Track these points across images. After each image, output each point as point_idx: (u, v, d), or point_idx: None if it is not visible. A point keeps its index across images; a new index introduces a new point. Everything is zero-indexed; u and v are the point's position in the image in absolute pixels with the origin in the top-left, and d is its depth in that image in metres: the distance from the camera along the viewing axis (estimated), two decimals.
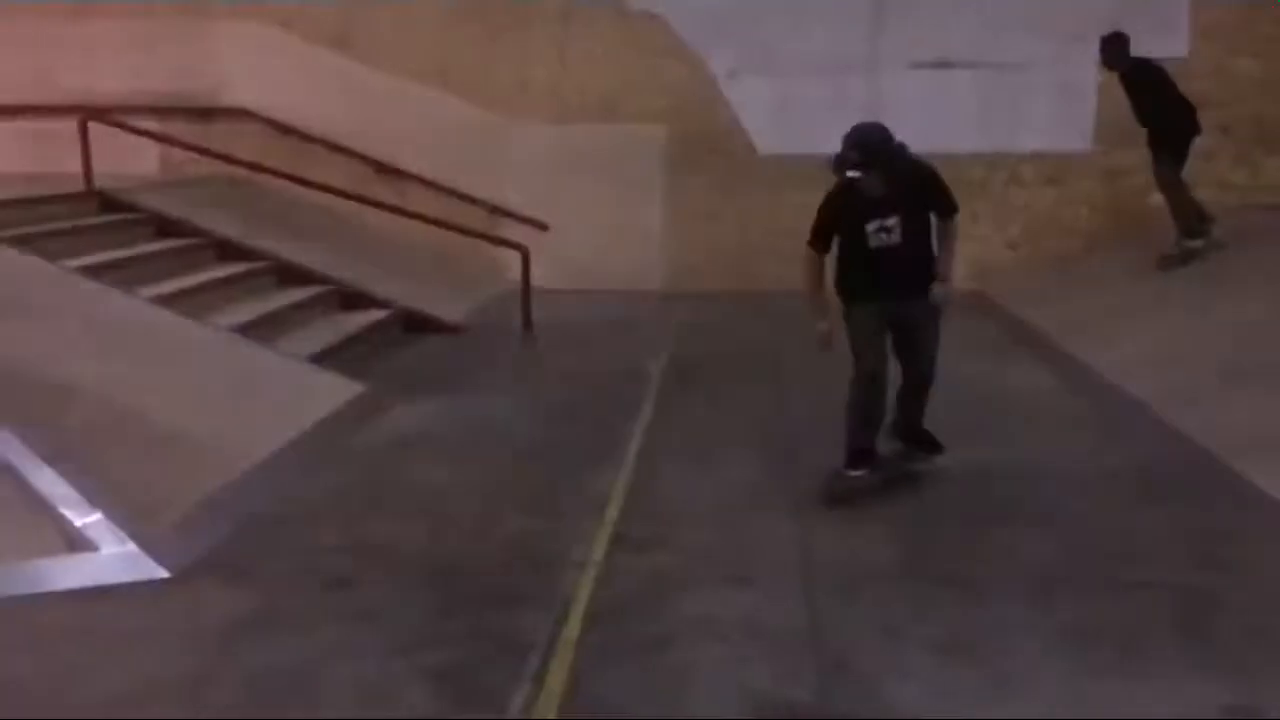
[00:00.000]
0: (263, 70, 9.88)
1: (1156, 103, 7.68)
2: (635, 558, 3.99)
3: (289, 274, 7.83)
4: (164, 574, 3.82)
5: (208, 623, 3.52)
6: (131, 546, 3.93)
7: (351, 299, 7.84)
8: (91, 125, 8.35)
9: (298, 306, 7.35)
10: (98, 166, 8.22)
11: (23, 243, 6.33)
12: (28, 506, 4.04)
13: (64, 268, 6.23)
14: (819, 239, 4.56)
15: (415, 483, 4.84)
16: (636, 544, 4.11)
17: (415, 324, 7.94)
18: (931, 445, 4.85)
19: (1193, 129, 7.72)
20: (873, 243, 4.44)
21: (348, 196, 8.79)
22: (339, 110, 9.81)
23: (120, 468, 4.40)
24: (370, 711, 2.99)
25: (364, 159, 9.69)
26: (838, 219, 4.49)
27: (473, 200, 9.60)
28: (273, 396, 5.73)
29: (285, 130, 9.71)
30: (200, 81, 9.82)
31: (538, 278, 8.43)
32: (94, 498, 4.10)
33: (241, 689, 3.10)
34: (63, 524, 3.98)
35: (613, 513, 4.43)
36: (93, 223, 7.43)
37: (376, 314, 7.71)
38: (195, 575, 3.83)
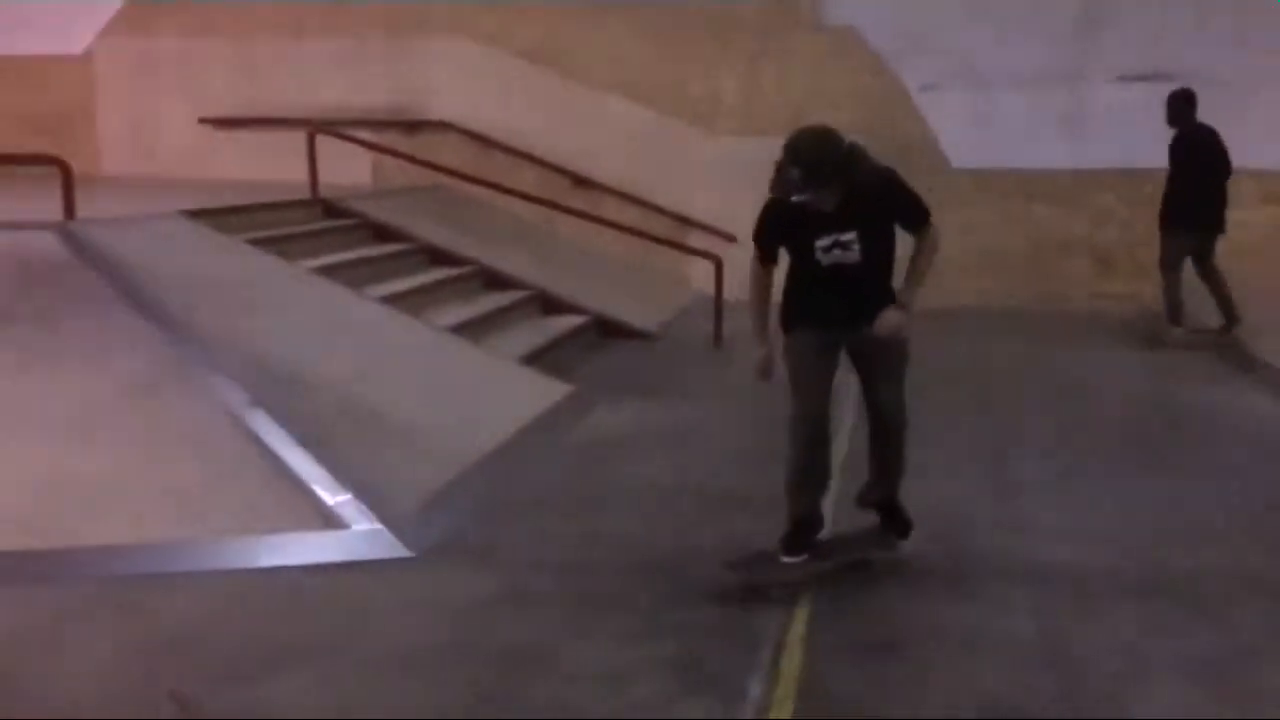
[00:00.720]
0: (466, 84, 10.35)
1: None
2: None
3: (493, 279, 8.19)
4: (409, 553, 4.09)
5: (452, 600, 3.74)
6: (379, 526, 4.22)
7: (551, 304, 8.14)
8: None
9: (502, 310, 7.67)
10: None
11: (263, 245, 6.85)
12: (286, 484, 4.39)
13: (300, 268, 6.70)
14: (763, 249, 3.82)
15: (631, 480, 5.01)
16: None
17: (609, 330, 8.17)
18: (902, 525, 3.99)
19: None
20: (825, 260, 3.68)
21: (550, 205, 9.12)
22: (537, 122, 10.19)
23: (361, 454, 4.72)
24: (611, 693, 3.13)
25: (559, 170, 10.03)
26: (783, 232, 3.75)
27: (663, 211, 9.80)
28: (491, 394, 6.02)
29: (485, 142, 10.14)
30: (409, 96, 10.37)
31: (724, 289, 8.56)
32: (342, 479, 4.43)
33: (490, 663, 3.30)
34: (317, 502, 4.31)
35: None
36: (318, 228, 7.95)
37: (575, 319, 7.98)
38: (438, 556, 4.08)
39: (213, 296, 5.74)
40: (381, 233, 8.27)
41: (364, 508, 4.28)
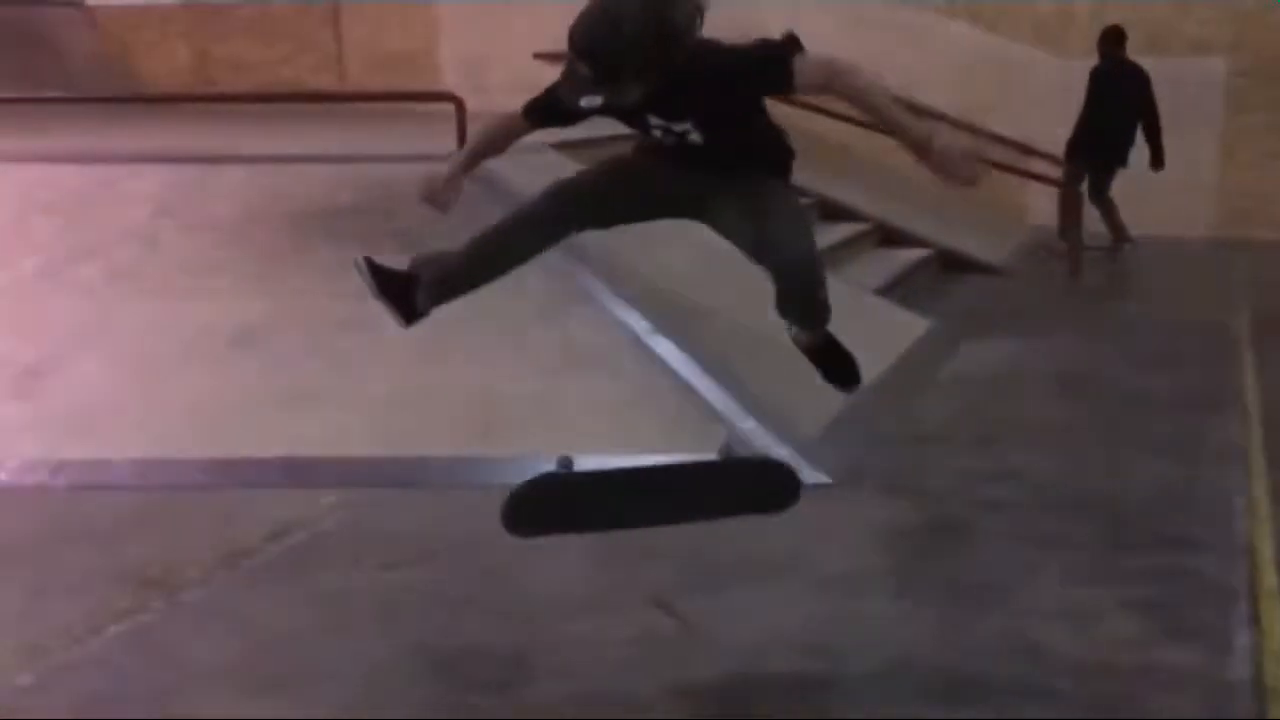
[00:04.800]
0: (793, 10, 10.21)
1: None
2: None
3: (830, 211, 8.12)
4: (826, 479, 4.16)
5: (881, 527, 3.79)
6: (790, 451, 4.32)
7: (890, 237, 8.00)
8: None
9: (844, 243, 7.61)
10: None
11: None
12: (693, 408, 4.56)
13: None
14: (532, 110, 2.70)
15: (1023, 419, 4.89)
16: None
17: (952, 263, 7.96)
18: (842, 370, 3.26)
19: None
20: (664, 140, 2.62)
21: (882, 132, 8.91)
22: (858, 46, 9.93)
23: (758, 381, 4.83)
24: (1078, 631, 3.08)
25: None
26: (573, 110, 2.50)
27: (1002, 140, 9.38)
28: (857, 327, 5.97)
29: None
30: (738, 25, 10.35)
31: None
32: (746, 405, 4.56)
33: (940, 592, 3.32)
34: (727, 426, 4.45)
35: (1259, 463, 4.21)
36: None
37: (917, 253, 7.82)
38: (854, 484, 4.14)
39: None
40: None
41: (773, 433, 4.39)
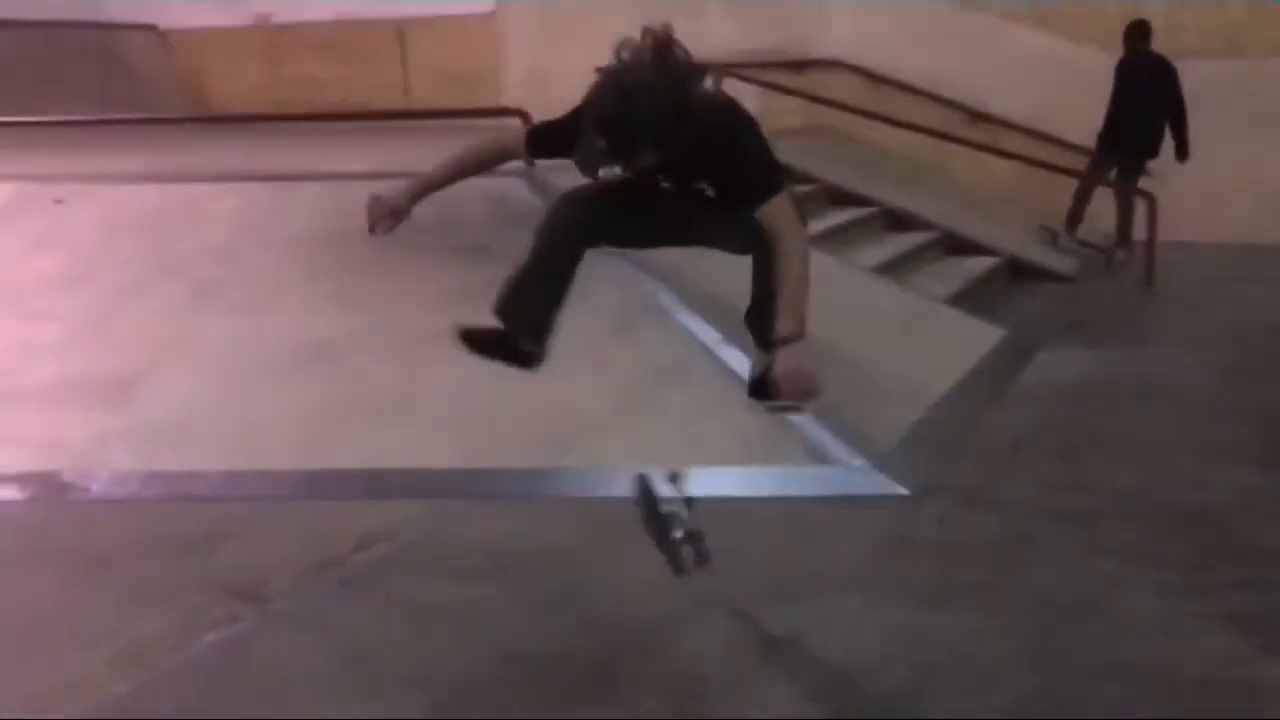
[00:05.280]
0: (856, 20, 10.17)
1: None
2: None
3: (895, 220, 8.07)
4: (904, 491, 4.13)
5: (962, 540, 3.75)
6: (864, 462, 4.30)
7: (957, 245, 7.92)
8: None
9: (911, 252, 7.55)
10: None
11: None
12: (767, 417, 4.54)
13: None
14: (539, 144, 2.82)
15: (1104, 429, 4.81)
16: None
17: (1021, 272, 7.86)
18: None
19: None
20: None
21: (948, 139, 8.86)
22: (930, 56, 9.86)
23: (832, 390, 4.79)
24: (1176, 648, 3.02)
25: (954, 105, 9.69)
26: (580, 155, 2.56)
27: (1069, 146, 9.24)
28: (928, 336, 5.96)
29: (875, 79, 9.96)
30: (799, 35, 10.34)
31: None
32: (820, 415, 4.53)
33: (1030, 607, 3.27)
34: (801, 435, 4.44)
35: None
36: None
37: (985, 261, 7.73)
38: (932, 496, 4.10)
39: None
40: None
41: (848, 444, 4.37)
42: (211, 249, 5.60)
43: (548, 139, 2.75)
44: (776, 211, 2.56)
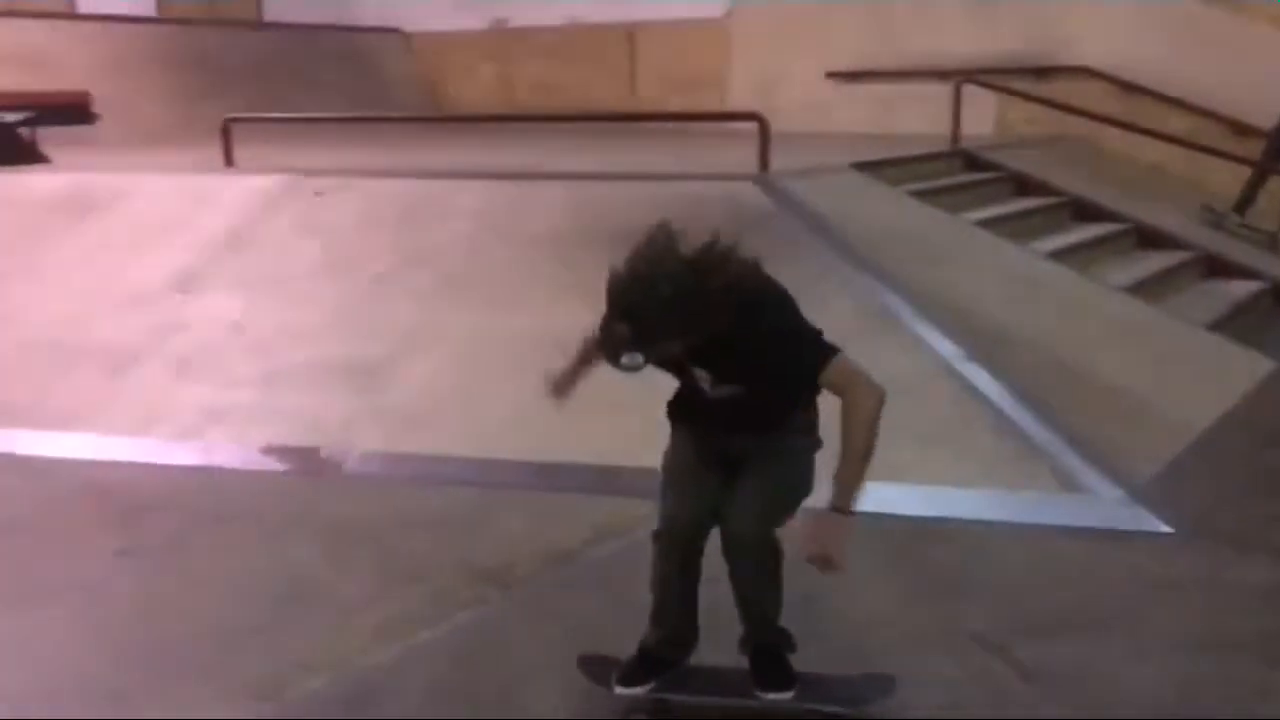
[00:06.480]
0: (1109, 23, 9.61)
1: None
2: None
3: (1147, 237, 7.57)
4: (1166, 529, 3.84)
5: (1234, 584, 3.45)
6: (1122, 494, 4.03)
7: (1217, 267, 7.35)
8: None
9: (1166, 272, 7.05)
10: (933, 127, 8.66)
11: (919, 196, 6.89)
12: (1013, 441, 4.33)
13: (963, 221, 6.64)
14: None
15: None
16: None
17: None
18: (775, 677, 2.77)
19: None
20: (706, 390, 2.65)
21: (1211, 153, 8.26)
22: (1193, 64, 9.19)
23: (1082, 417, 4.53)
24: None
25: (1216, 116, 9.01)
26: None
27: None
28: (1189, 364, 5.55)
29: (1128, 88, 9.38)
30: (1042, 41, 9.87)
31: None
32: (1070, 442, 4.28)
33: None
34: (1051, 463, 4.20)
35: None
36: (963, 180, 7.85)
37: (1249, 285, 7.13)
38: (1198, 535, 3.79)
39: (897, 246, 5.84)
40: (1023, 185, 7.98)
41: (1102, 474, 4.11)
42: (457, 242, 5.82)
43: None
44: (838, 371, 2.47)
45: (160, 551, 3.78)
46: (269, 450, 4.60)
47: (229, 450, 4.64)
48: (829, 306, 5.16)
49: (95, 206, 6.60)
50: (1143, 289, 6.54)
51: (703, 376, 2.60)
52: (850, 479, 2.45)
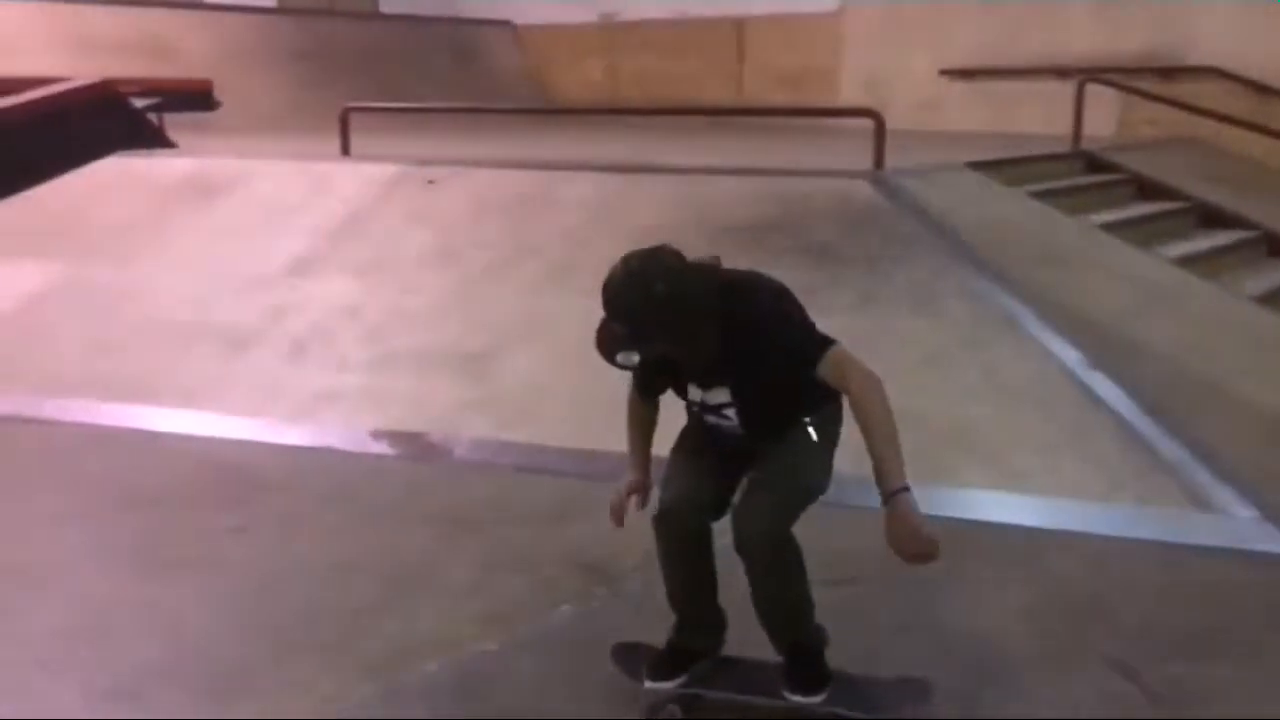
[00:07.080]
0: (1240, 23, 9.20)
1: None
2: None
3: (1277, 246, 7.23)
4: None
5: None
6: (1256, 513, 3.82)
7: None
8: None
9: None
10: (1051, 127, 8.39)
11: (1039, 197, 6.67)
12: (1140, 454, 4.15)
13: (1086, 223, 6.42)
14: (643, 388, 2.80)
15: None
16: None
17: None
18: (808, 680, 2.70)
19: None
20: (706, 418, 2.68)
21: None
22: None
23: (1214, 432, 4.32)
24: None
25: None
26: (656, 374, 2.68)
27: None
28: None
29: (1259, 89, 8.97)
30: (1169, 40, 9.50)
31: None
32: (1201, 457, 4.08)
33: None
34: (1180, 478, 4.01)
35: None
36: (1083, 182, 7.59)
37: None
38: None
39: (1016, 248, 5.67)
40: (1146, 188, 7.68)
41: (1235, 491, 3.90)
42: (565, 233, 5.82)
43: (641, 380, 2.78)
44: (836, 361, 2.50)
45: (275, 529, 3.85)
46: (379, 434, 4.67)
47: (340, 432, 4.71)
48: (945, 308, 5.05)
49: (218, 190, 6.79)
50: (1276, 300, 6.24)
51: (693, 396, 2.66)
52: (889, 462, 2.43)
